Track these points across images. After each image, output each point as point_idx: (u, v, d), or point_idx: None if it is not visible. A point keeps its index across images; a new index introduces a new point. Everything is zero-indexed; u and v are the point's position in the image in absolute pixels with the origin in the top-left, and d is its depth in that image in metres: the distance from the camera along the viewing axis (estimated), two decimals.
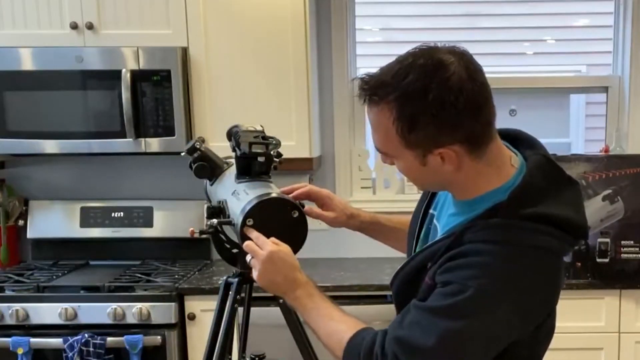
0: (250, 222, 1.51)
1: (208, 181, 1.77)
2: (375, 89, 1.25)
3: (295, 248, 1.53)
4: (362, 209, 1.77)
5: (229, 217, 1.60)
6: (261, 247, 1.45)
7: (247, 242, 1.48)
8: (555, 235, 1.28)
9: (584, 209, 1.35)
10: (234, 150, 1.64)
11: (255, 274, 1.47)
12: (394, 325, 1.32)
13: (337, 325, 1.39)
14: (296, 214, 1.55)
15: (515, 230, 1.25)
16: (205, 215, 1.64)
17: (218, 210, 1.62)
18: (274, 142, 1.64)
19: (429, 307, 1.28)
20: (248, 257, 1.49)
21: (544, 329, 1.37)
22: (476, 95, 1.23)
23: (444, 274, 1.27)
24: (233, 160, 1.73)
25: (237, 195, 1.59)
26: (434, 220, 1.47)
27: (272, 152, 1.63)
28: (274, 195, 1.55)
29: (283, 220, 1.52)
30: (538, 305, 1.30)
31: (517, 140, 1.41)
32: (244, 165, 1.63)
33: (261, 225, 1.51)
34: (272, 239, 1.47)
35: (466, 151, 1.26)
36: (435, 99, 1.20)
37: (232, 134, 1.65)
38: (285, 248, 1.46)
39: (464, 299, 1.23)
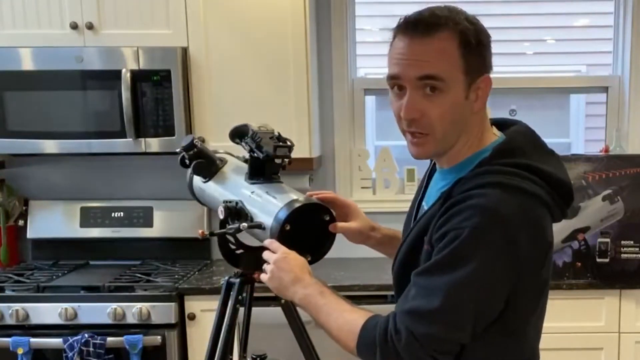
0: (287, 227, 1.53)
1: (200, 178, 1.76)
2: (440, 17, 1.32)
3: (323, 250, 1.60)
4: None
5: (251, 219, 1.60)
6: (274, 251, 1.51)
7: (265, 252, 1.54)
8: (539, 184, 1.31)
9: (568, 174, 1.39)
10: (251, 151, 1.64)
11: (266, 276, 1.51)
12: (400, 302, 1.34)
13: (349, 315, 1.40)
14: (327, 217, 1.59)
15: (501, 174, 1.30)
16: (221, 215, 1.63)
17: (235, 212, 1.62)
18: (291, 144, 1.66)
19: (427, 269, 1.29)
20: (265, 266, 1.53)
21: (539, 288, 1.36)
22: None
23: (440, 229, 1.29)
24: (227, 157, 1.74)
25: (260, 197, 1.60)
26: (425, 208, 1.47)
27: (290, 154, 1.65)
28: (309, 200, 1.58)
29: (314, 223, 1.56)
30: (530, 248, 1.28)
31: (498, 123, 1.45)
32: (258, 166, 1.64)
33: (295, 229, 1.53)
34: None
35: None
36: (485, 29, 1.36)
37: (250, 135, 1.63)
38: (294, 253, 1.51)
39: (460, 242, 1.24)
